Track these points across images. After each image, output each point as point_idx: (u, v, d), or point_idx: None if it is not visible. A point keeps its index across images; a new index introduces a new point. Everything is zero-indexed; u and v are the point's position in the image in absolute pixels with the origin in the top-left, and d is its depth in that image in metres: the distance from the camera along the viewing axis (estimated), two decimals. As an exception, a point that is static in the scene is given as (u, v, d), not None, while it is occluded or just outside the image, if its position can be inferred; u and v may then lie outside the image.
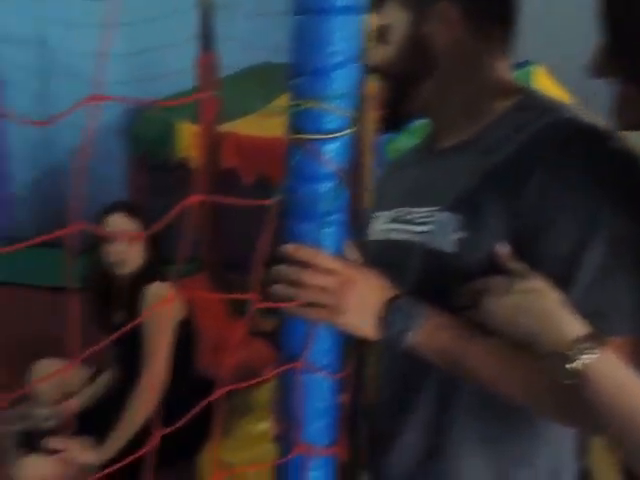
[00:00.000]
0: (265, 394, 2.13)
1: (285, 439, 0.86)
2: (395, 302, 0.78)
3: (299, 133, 0.73)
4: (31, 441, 1.96)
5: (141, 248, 2.04)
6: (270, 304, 0.78)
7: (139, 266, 2.04)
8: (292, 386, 0.82)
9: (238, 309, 2.95)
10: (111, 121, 3.66)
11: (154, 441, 0.75)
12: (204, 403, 0.84)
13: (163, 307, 1.95)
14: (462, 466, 0.87)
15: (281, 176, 2.73)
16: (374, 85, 1.02)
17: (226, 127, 3.15)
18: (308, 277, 0.75)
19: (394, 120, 0.95)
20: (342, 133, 0.74)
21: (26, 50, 3.47)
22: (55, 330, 2.72)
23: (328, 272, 0.75)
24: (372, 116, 0.98)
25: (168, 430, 0.75)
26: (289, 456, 0.84)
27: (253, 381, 0.90)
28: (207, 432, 2.03)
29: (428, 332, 0.78)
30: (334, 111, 0.72)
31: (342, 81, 0.72)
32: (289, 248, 0.75)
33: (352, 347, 0.89)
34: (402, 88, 0.91)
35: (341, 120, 0.73)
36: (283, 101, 2.79)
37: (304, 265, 0.75)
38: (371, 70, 0.93)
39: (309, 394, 0.83)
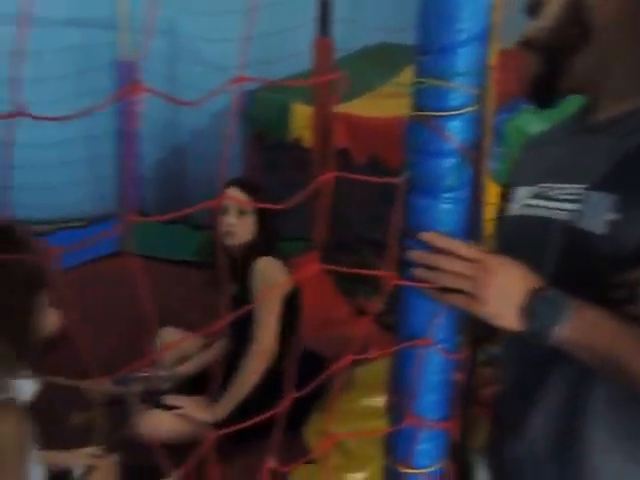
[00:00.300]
0: (368, 372, 2.16)
1: (396, 410, 0.88)
2: (540, 293, 0.73)
3: (423, 110, 0.74)
4: (152, 399, 2.11)
5: (251, 222, 2.11)
6: (405, 283, 0.79)
7: (249, 240, 2.11)
8: (407, 358, 0.84)
9: (344, 288, 3.00)
10: (228, 102, 3.80)
11: (286, 404, 0.79)
12: (325, 376, 0.87)
13: (271, 281, 2.02)
14: (596, 456, 0.83)
15: (393, 156, 2.73)
16: (497, 62, 1.01)
17: (339, 108, 3.19)
18: (449, 263, 0.74)
19: (546, 96, 0.92)
20: (466, 110, 0.74)
21: (156, 36, 3.67)
22: (175, 301, 2.89)
23: (468, 259, 0.74)
24: (493, 94, 0.96)
25: (298, 394, 0.79)
26: (399, 426, 0.86)
27: (362, 357, 0.91)
28: (313, 404, 2.11)
29: (578, 327, 0.73)
30: (459, 88, 0.72)
31: (468, 58, 0.72)
32: (428, 235, 0.75)
33: (469, 327, 0.89)
34: (556, 62, 0.88)
35: (465, 97, 0.73)
36: (396, 82, 2.76)
37: (444, 252, 0.74)
38: (523, 44, 0.91)
39: (423, 367, 0.84)
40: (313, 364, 2.13)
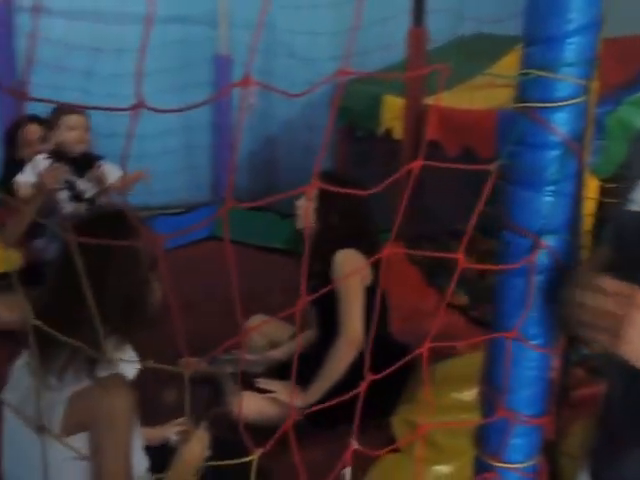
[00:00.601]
0: (457, 365, 2.14)
1: (489, 403, 0.88)
2: None
3: (527, 101, 0.74)
4: (244, 380, 2.19)
5: (311, 208, 2.14)
6: (480, 266, 0.79)
7: (313, 227, 2.15)
8: (502, 352, 0.84)
9: (431, 281, 2.98)
10: (320, 94, 3.85)
11: (364, 386, 0.81)
12: (405, 364, 0.87)
13: (353, 273, 2.04)
14: None
15: (486, 149, 2.67)
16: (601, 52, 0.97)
17: (431, 99, 3.15)
18: (590, 298, 0.69)
19: None
20: (572, 101, 0.72)
21: (254, 31, 3.77)
22: (264, 287, 2.97)
23: (610, 294, 0.69)
24: (595, 85, 0.93)
25: (375, 377, 0.81)
26: (491, 419, 0.86)
27: (444, 344, 0.91)
28: (400, 394, 2.12)
29: None
30: (566, 79, 0.71)
31: (577, 49, 0.71)
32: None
33: (563, 326, 0.87)
34: None
35: (572, 88, 0.72)
36: (491, 73, 2.67)
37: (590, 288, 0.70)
38: None
39: (517, 362, 0.84)
40: (399, 355, 2.13)
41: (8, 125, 3.11)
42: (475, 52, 3.58)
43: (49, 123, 2.69)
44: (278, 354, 2.34)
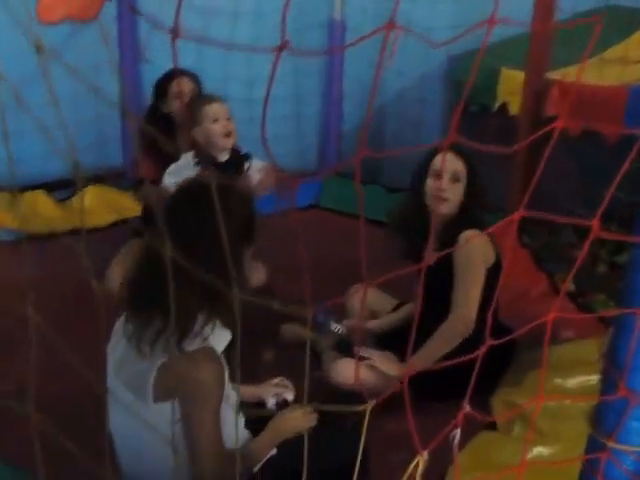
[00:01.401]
0: (563, 351, 2.08)
1: (610, 381, 0.84)
2: None
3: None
4: (343, 348, 2.20)
5: (461, 189, 2.07)
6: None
7: (456, 207, 2.07)
8: (628, 329, 0.80)
9: (540, 265, 2.86)
10: (434, 67, 3.74)
11: (482, 351, 0.79)
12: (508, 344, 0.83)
13: (476, 253, 1.99)
14: None
15: (611, 129, 2.51)
16: None
17: (554, 74, 2.99)
18: None
19: None
20: None
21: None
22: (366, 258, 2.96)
23: None
24: None
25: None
26: (610, 397, 0.82)
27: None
28: (501, 376, 2.07)
29: None
30: None
31: None
32: None
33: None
34: None
35: None
36: (623, 48, 2.49)
37: None
38: None
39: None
40: (504, 337, 2.07)
41: (157, 78, 2.91)
42: (606, 25, 3.34)
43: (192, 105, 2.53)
44: (379, 325, 2.34)
